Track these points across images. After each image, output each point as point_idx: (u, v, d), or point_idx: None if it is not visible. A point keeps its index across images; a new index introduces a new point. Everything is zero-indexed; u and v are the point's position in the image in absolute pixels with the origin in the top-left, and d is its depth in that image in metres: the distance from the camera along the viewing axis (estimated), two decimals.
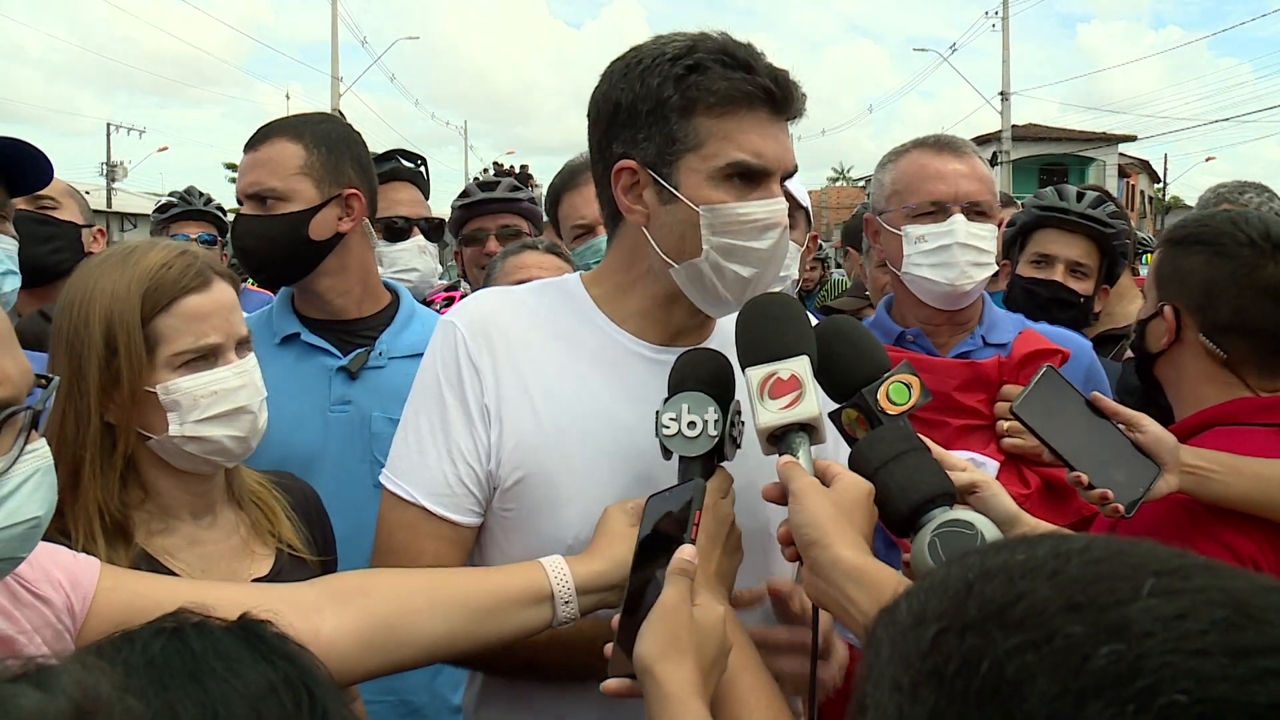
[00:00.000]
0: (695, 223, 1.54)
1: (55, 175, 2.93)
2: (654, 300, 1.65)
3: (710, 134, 1.52)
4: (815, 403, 1.38)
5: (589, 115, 1.65)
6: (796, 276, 2.83)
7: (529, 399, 1.60)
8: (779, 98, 1.54)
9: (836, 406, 1.46)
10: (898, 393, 1.41)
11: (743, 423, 1.48)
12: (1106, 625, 0.53)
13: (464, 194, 3.66)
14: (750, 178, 1.53)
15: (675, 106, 1.52)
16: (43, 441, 1.16)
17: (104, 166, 41.11)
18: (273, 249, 2.34)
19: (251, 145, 2.36)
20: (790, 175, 1.61)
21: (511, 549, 1.62)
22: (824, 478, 1.37)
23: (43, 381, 1.16)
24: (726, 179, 1.53)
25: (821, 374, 1.42)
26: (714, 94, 1.50)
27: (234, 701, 0.80)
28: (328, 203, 2.33)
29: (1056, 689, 0.52)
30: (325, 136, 2.37)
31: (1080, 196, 2.88)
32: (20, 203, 2.74)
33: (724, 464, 1.51)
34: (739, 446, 1.50)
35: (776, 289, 2.57)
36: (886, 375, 1.42)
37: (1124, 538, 0.63)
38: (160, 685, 0.80)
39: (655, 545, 1.39)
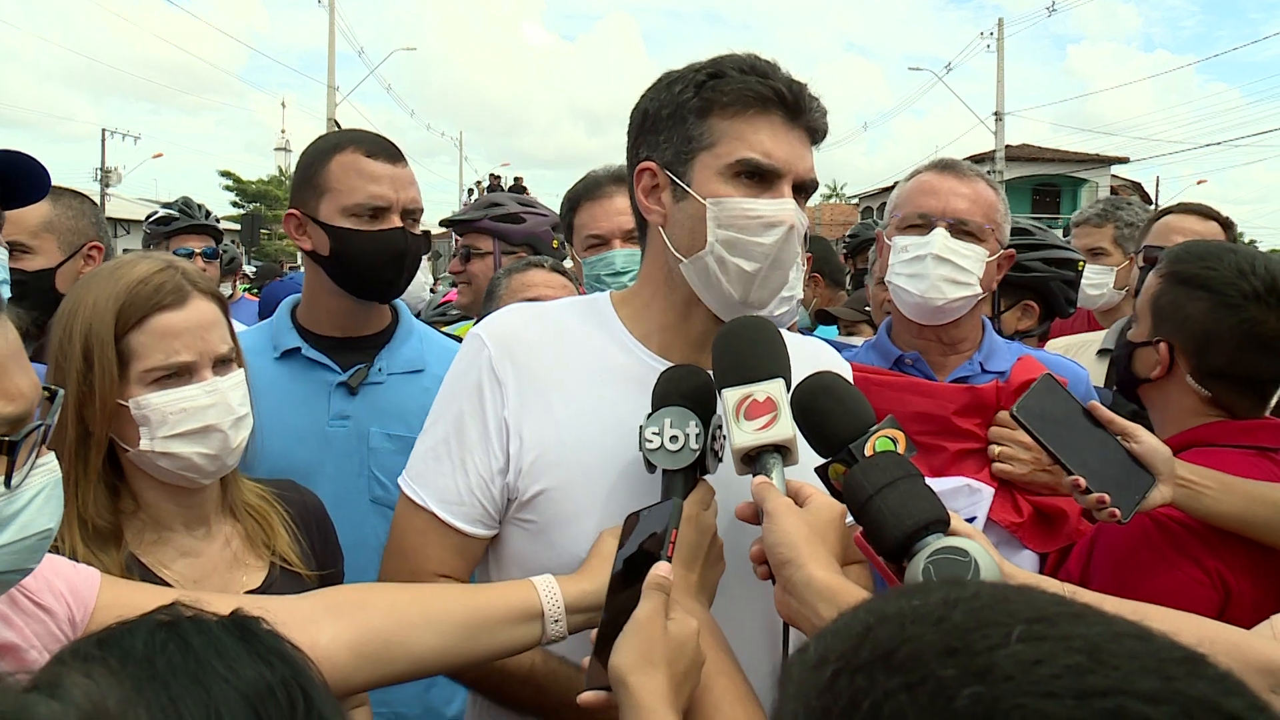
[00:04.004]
0: (703, 216, 1.59)
1: (51, 188, 2.85)
2: (673, 310, 1.68)
3: (724, 134, 1.58)
4: (790, 425, 1.41)
5: (626, 131, 1.72)
6: (801, 295, 2.84)
7: (550, 413, 1.63)
8: (790, 102, 1.58)
9: (823, 462, 1.47)
10: (884, 447, 1.42)
11: (724, 437, 1.50)
12: (974, 669, 0.57)
13: None
14: (761, 178, 1.58)
15: (693, 108, 1.59)
16: (52, 455, 1.18)
17: (98, 172, 41.03)
18: (416, 264, 2.45)
19: (400, 160, 2.39)
20: (810, 187, 1.64)
21: (530, 560, 1.64)
22: (797, 498, 1.39)
23: (47, 394, 1.18)
24: (736, 176, 1.58)
25: (807, 429, 1.44)
26: (728, 94, 1.57)
27: (235, 703, 0.81)
28: None
29: None
30: None
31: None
32: None
33: (706, 477, 1.53)
34: (720, 460, 1.53)
35: (783, 310, 2.62)
36: (872, 429, 1.44)
37: (1015, 586, 0.67)
38: (162, 684, 0.81)
39: (634, 562, 1.41)
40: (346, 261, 2.30)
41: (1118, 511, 1.78)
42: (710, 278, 1.61)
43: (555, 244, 3.74)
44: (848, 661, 0.62)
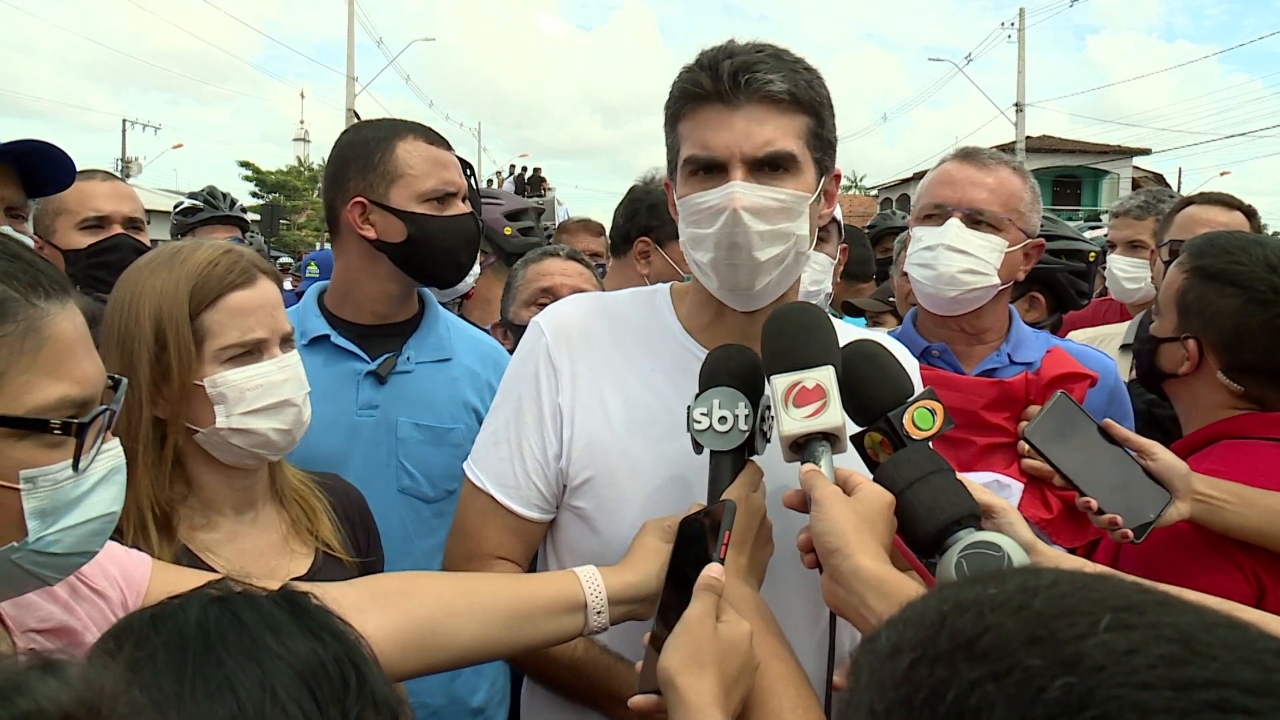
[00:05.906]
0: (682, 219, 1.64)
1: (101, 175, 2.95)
2: (709, 306, 1.71)
3: (682, 137, 1.61)
4: (839, 412, 1.40)
5: None
6: (829, 290, 2.83)
7: (602, 402, 1.67)
8: (720, 89, 1.53)
9: (859, 429, 1.47)
10: (922, 418, 1.42)
11: (773, 417, 1.49)
12: (1063, 659, 0.55)
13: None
14: (709, 170, 1.58)
15: (669, 119, 1.64)
16: (116, 441, 1.20)
17: (119, 162, 41.19)
18: (475, 246, 2.45)
19: (442, 144, 2.38)
20: (778, 159, 1.55)
21: (581, 546, 1.69)
22: (845, 487, 1.38)
23: (111, 383, 1.19)
24: (692, 175, 1.60)
25: (846, 397, 1.43)
26: (674, 99, 1.61)
27: (287, 677, 0.82)
28: None
29: (1013, 718, 0.54)
30: None
31: None
32: (119, 225, 2.88)
33: (754, 458, 1.53)
34: (769, 441, 1.52)
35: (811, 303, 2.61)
36: (912, 400, 1.43)
37: (1092, 574, 0.66)
38: (216, 659, 0.82)
39: (686, 564, 1.41)
40: (424, 246, 2.32)
41: (1130, 533, 1.80)
42: (697, 273, 1.66)
43: (508, 231, 3.73)
44: (925, 651, 0.60)
